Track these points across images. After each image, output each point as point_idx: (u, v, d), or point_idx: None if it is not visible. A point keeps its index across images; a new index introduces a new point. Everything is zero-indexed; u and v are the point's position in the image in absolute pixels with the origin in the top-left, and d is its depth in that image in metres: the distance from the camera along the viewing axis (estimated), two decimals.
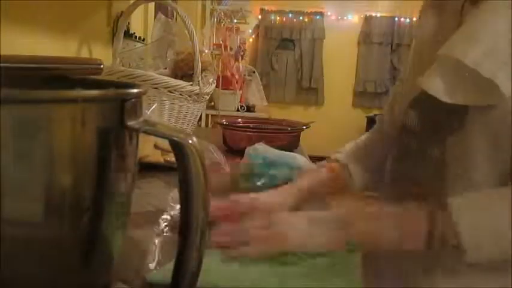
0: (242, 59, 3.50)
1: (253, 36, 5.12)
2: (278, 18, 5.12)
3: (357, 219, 0.56)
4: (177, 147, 0.31)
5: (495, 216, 0.52)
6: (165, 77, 1.12)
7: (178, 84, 1.12)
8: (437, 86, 0.57)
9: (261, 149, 0.91)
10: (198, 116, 1.27)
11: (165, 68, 1.29)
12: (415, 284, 0.62)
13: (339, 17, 5.10)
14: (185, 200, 0.32)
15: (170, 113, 1.13)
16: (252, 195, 0.66)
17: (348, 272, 0.51)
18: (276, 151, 0.92)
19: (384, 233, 0.55)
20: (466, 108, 0.58)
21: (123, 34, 1.29)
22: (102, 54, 1.32)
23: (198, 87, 1.15)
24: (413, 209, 0.55)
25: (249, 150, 0.91)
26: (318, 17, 5.09)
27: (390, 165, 0.74)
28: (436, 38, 0.65)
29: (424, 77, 0.59)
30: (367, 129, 4.84)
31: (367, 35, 5.06)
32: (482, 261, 0.52)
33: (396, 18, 4.97)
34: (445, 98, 0.56)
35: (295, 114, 4.87)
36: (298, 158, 0.93)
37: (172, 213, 0.64)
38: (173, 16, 1.92)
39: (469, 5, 0.62)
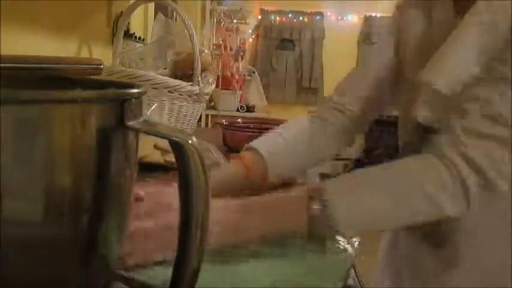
0: (242, 59, 3.50)
1: (253, 36, 5.13)
2: (278, 18, 5.12)
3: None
4: (177, 147, 0.31)
5: (369, 199, 0.56)
6: (165, 77, 1.12)
7: (178, 85, 1.11)
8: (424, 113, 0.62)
9: None
10: (198, 116, 1.27)
11: (165, 68, 1.29)
12: None
13: (339, 17, 5.10)
14: (185, 200, 0.32)
15: (170, 113, 1.13)
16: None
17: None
18: None
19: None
20: None
21: (123, 34, 1.29)
22: (102, 54, 1.32)
23: (198, 88, 1.15)
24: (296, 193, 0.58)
25: None
26: (318, 17, 5.09)
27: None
28: (427, 34, 0.66)
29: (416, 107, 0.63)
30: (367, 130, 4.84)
31: (367, 35, 5.06)
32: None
33: None
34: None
35: (295, 114, 4.86)
36: None
37: None
38: (173, 16, 1.92)
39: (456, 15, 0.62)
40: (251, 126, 1.36)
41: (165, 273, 0.36)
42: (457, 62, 0.56)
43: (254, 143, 0.74)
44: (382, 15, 4.97)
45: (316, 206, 0.54)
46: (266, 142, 0.75)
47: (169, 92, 1.10)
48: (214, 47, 3.39)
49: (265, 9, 5.08)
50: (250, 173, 0.69)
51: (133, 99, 0.31)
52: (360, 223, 0.56)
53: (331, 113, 0.77)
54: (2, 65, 0.33)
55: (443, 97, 0.57)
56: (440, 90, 0.56)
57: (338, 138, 0.78)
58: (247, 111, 3.25)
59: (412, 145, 0.68)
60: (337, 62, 5.09)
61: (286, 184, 0.75)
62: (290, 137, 0.76)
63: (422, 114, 0.62)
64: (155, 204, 0.53)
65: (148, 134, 0.32)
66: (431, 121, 0.61)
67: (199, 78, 1.15)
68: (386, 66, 0.76)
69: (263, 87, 3.87)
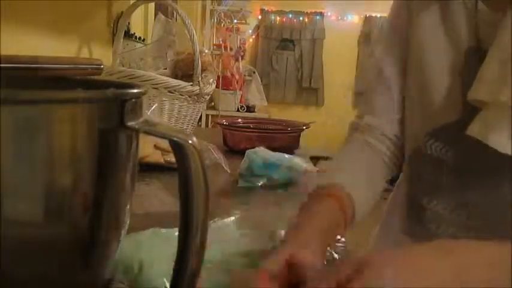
0: (242, 59, 3.50)
1: (253, 36, 5.13)
2: (278, 18, 5.12)
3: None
4: (177, 147, 0.31)
5: None
6: (165, 77, 1.12)
7: (179, 85, 1.12)
8: (505, 143, 0.52)
9: (261, 152, 0.91)
10: (198, 116, 1.27)
11: (165, 68, 1.29)
12: None
13: (339, 17, 5.10)
14: (185, 200, 0.32)
15: (170, 113, 1.13)
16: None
17: None
18: (276, 154, 0.92)
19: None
20: None
21: (123, 34, 1.29)
22: (102, 54, 1.32)
23: (198, 88, 1.15)
24: None
25: (249, 152, 0.91)
26: (318, 17, 5.09)
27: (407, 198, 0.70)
28: (445, 33, 0.62)
29: (473, 125, 0.55)
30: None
31: (367, 35, 5.06)
32: None
33: None
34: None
35: (295, 114, 4.87)
36: (298, 161, 0.93)
37: None
38: (173, 16, 1.92)
39: (485, 7, 0.58)
40: (251, 126, 1.36)
41: None
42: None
43: (341, 183, 0.59)
44: (382, 15, 4.97)
45: None
46: (348, 180, 0.61)
47: (169, 92, 1.10)
48: (215, 47, 3.39)
49: (266, 9, 5.08)
50: (345, 218, 0.56)
51: (133, 99, 0.31)
52: None
53: (374, 137, 0.69)
54: (2, 65, 0.32)
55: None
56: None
57: (387, 166, 0.70)
58: (247, 111, 3.25)
59: (421, 153, 0.65)
60: (337, 62, 5.09)
61: None
62: (355, 170, 0.65)
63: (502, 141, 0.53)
64: None
65: (148, 134, 0.32)
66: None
67: (200, 78, 1.15)
68: (401, 73, 0.70)
69: (263, 87, 3.87)
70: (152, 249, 0.48)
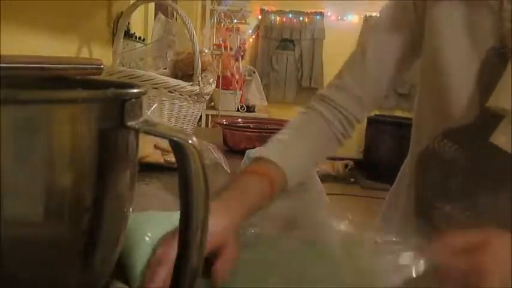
0: (242, 59, 3.50)
1: (253, 36, 5.13)
2: (278, 18, 5.12)
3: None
4: (177, 147, 0.31)
5: None
6: (165, 77, 1.12)
7: (178, 85, 1.12)
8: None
9: None
10: (198, 116, 1.27)
11: (165, 68, 1.29)
12: None
13: (339, 17, 5.10)
14: (185, 200, 0.32)
15: (170, 113, 1.13)
16: None
17: None
18: None
19: None
20: None
21: (123, 34, 1.29)
22: (102, 54, 1.32)
23: (198, 88, 1.15)
24: None
25: (249, 152, 0.91)
26: (318, 17, 5.10)
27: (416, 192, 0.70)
28: (467, 33, 0.61)
29: (497, 134, 0.57)
30: (367, 130, 4.85)
31: None
32: None
33: None
34: None
35: (295, 114, 4.85)
36: None
37: None
38: (173, 16, 1.92)
39: (508, 3, 0.57)
40: (251, 126, 1.36)
41: None
42: None
43: (270, 155, 0.64)
44: None
45: None
46: (281, 152, 0.66)
47: (169, 92, 1.10)
48: (214, 47, 3.40)
49: (266, 9, 5.08)
50: (273, 193, 0.61)
51: (133, 99, 0.31)
52: None
53: (333, 113, 0.73)
54: (2, 65, 0.32)
55: None
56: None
57: (337, 139, 0.74)
58: (247, 111, 3.25)
59: (434, 152, 0.65)
60: (337, 62, 5.06)
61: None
62: (297, 140, 0.71)
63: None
64: None
65: (149, 134, 0.32)
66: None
67: (200, 78, 1.15)
68: (388, 65, 0.71)
69: (263, 87, 3.88)
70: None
